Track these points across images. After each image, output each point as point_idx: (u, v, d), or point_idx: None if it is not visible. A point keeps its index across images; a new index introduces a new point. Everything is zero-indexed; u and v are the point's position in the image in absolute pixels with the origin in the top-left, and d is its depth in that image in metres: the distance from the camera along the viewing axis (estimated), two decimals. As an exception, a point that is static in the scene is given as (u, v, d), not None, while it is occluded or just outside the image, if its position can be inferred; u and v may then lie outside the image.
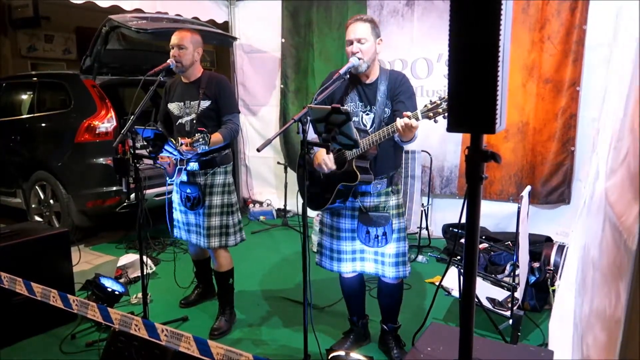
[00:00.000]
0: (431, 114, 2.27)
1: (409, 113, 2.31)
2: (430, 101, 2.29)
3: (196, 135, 2.86)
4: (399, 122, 2.31)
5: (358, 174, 2.54)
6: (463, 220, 1.43)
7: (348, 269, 2.85)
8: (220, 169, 3.30)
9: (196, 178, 3.27)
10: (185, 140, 2.92)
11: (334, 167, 2.61)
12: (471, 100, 1.26)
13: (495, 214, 4.86)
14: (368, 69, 2.65)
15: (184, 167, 3.17)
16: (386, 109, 2.65)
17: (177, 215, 3.47)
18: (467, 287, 1.43)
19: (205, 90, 3.21)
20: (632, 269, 0.81)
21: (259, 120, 6.55)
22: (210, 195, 3.27)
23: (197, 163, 3.24)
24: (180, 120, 3.28)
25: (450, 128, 1.30)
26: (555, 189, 4.61)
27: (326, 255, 2.90)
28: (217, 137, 3.10)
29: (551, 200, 4.65)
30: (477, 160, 1.32)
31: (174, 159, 3.16)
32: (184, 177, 3.28)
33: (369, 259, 2.81)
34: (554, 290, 3.50)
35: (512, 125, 4.64)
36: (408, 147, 2.96)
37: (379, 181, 2.70)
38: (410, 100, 2.64)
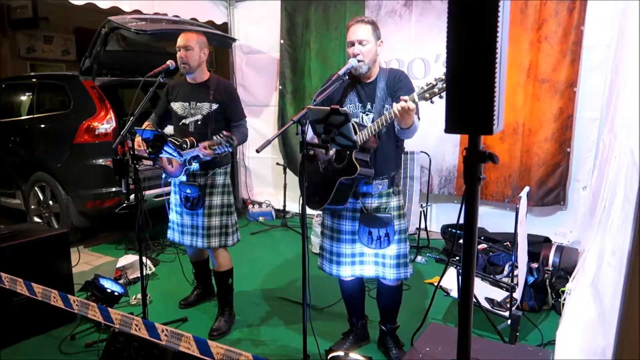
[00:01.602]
0: (427, 95, 2.29)
1: (405, 97, 2.32)
2: (426, 83, 2.31)
3: (219, 137, 2.90)
4: (396, 107, 2.32)
5: (358, 166, 2.53)
6: (461, 221, 1.44)
7: (347, 273, 2.84)
8: (220, 170, 3.32)
9: (196, 178, 3.28)
10: (205, 143, 2.95)
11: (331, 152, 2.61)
12: (469, 101, 1.27)
13: (493, 214, 4.87)
14: (369, 70, 2.66)
15: (190, 167, 3.19)
16: (386, 105, 2.65)
17: (173, 216, 3.48)
18: (465, 287, 1.44)
19: (215, 94, 3.23)
20: (626, 272, 0.82)
21: (259, 120, 6.55)
22: (210, 195, 3.28)
23: (197, 163, 3.25)
24: (184, 121, 3.28)
25: (448, 129, 1.32)
26: (551, 191, 4.60)
27: (326, 258, 2.90)
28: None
29: (547, 202, 4.65)
30: (474, 160, 1.33)
31: (178, 159, 3.18)
32: (183, 178, 3.29)
33: (368, 262, 2.81)
34: (563, 291, 3.51)
35: (508, 125, 4.64)
36: (407, 148, 2.96)
37: (380, 182, 2.71)
38: (411, 92, 2.65)
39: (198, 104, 3.25)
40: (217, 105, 3.23)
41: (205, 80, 3.29)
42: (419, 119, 2.56)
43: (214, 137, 2.92)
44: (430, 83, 2.28)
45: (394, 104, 2.35)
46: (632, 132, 2.16)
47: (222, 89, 3.27)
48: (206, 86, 3.27)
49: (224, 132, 2.97)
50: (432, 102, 2.29)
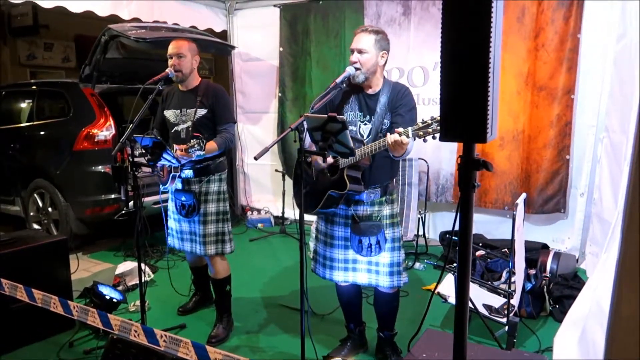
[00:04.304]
0: (421, 133, 2.28)
1: (400, 130, 2.33)
2: (422, 120, 2.29)
3: (192, 141, 2.90)
4: (389, 138, 2.33)
5: (347, 183, 2.55)
6: (457, 228, 1.46)
7: (340, 277, 2.86)
8: (214, 177, 3.33)
9: (191, 186, 3.29)
10: (180, 146, 2.96)
11: (330, 160, 2.63)
12: (462, 109, 1.29)
13: (492, 221, 4.88)
14: (367, 80, 2.65)
15: (177, 174, 3.19)
16: (385, 120, 2.66)
17: (172, 223, 3.49)
18: (461, 294, 1.45)
19: (202, 99, 3.24)
20: (616, 271, 0.84)
21: (257, 127, 6.57)
22: (205, 202, 3.29)
23: (191, 171, 3.26)
24: (176, 128, 3.30)
25: (443, 137, 1.33)
26: (551, 198, 4.62)
27: (320, 262, 2.92)
28: (212, 145, 3.13)
29: (547, 209, 4.67)
30: (469, 168, 1.35)
31: (168, 166, 3.18)
32: (178, 185, 3.30)
33: (361, 269, 2.81)
34: (565, 297, 3.51)
35: (507, 133, 4.67)
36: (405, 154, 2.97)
37: (372, 190, 2.72)
38: (410, 113, 2.64)
39: (188, 110, 3.26)
40: (206, 110, 3.24)
41: (195, 86, 3.31)
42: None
43: (192, 140, 2.92)
44: (426, 122, 2.27)
45: (388, 134, 2.35)
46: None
47: (210, 94, 3.26)
48: (195, 92, 3.28)
49: (194, 134, 2.98)
50: (424, 140, 2.29)
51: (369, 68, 2.62)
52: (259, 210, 6.53)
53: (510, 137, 4.69)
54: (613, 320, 0.84)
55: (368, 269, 2.80)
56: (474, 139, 1.31)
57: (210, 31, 6.16)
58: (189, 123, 3.24)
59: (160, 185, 3.32)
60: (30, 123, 5.58)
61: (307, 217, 2.55)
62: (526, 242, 3.76)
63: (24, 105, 5.93)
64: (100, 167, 5.02)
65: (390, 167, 2.77)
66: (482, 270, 3.93)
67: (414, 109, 2.69)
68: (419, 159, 4.97)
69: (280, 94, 6.16)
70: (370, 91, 2.71)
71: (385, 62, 2.70)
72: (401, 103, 2.65)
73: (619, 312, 0.84)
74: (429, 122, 2.26)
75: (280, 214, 6.09)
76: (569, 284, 3.75)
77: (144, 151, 3.00)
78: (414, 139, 2.34)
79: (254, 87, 6.52)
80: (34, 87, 5.87)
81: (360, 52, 2.60)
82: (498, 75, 1.33)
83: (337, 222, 2.82)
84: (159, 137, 3.04)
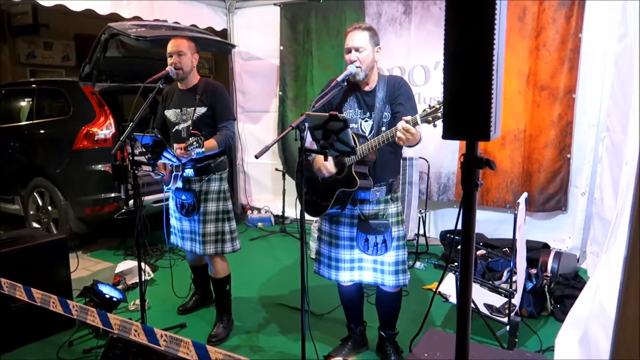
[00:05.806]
0: (430, 118, 2.28)
1: (408, 118, 2.32)
2: (429, 105, 2.30)
3: (190, 139, 2.89)
4: (399, 131, 2.32)
5: (357, 179, 2.55)
6: (459, 227, 1.45)
7: (346, 277, 2.85)
8: (215, 176, 3.32)
9: (191, 185, 3.28)
10: (180, 145, 2.95)
11: (334, 170, 2.62)
12: (466, 107, 1.28)
13: (492, 220, 4.88)
14: (366, 77, 2.66)
15: (179, 173, 3.18)
16: (385, 114, 2.66)
17: (173, 221, 3.48)
18: (463, 293, 1.44)
19: (202, 97, 3.23)
20: (623, 271, 0.83)
21: (258, 126, 6.56)
22: (205, 201, 3.28)
23: (192, 169, 3.25)
24: (177, 127, 3.29)
25: (446, 135, 1.32)
26: (552, 197, 4.63)
27: (324, 263, 2.90)
28: (211, 142, 3.12)
29: (548, 208, 4.67)
30: (472, 167, 1.34)
31: (170, 166, 3.17)
32: (179, 184, 3.29)
33: (367, 267, 2.81)
34: (566, 297, 3.50)
35: (508, 132, 4.67)
36: (406, 154, 2.97)
37: (378, 188, 2.71)
38: (410, 101, 2.66)
39: (188, 109, 3.25)
40: (206, 108, 3.23)
41: (194, 84, 3.30)
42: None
43: (190, 138, 2.91)
44: (434, 106, 2.27)
45: (398, 125, 2.32)
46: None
47: (209, 92, 3.25)
48: (194, 90, 3.27)
49: (191, 131, 2.97)
50: (434, 125, 2.26)
51: (368, 64, 2.63)
52: (259, 209, 6.53)
53: (511, 137, 4.68)
54: (619, 321, 0.83)
55: (374, 267, 2.79)
56: (478, 137, 1.30)
57: (210, 30, 6.15)
58: (189, 122, 3.23)
59: (164, 186, 3.31)
60: (30, 122, 5.57)
61: (308, 216, 2.54)
62: (527, 241, 3.75)
63: (23, 104, 5.92)
64: (100, 165, 5.01)
65: (393, 164, 2.77)
66: (483, 270, 3.93)
67: (412, 97, 2.70)
68: (420, 158, 4.97)
69: (280, 93, 6.15)
70: (367, 88, 2.72)
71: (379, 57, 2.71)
72: (399, 93, 2.66)
73: (625, 314, 0.83)
74: (437, 106, 2.26)
75: (280, 213, 6.09)
76: (570, 284, 3.75)
77: (144, 150, 2.99)
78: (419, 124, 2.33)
79: (254, 86, 6.50)
80: (33, 85, 5.85)
81: (357, 49, 2.61)
82: (501, 73, 1.32)
83: (342, 222, 2.81)
84: (159, 136, 3.03)
